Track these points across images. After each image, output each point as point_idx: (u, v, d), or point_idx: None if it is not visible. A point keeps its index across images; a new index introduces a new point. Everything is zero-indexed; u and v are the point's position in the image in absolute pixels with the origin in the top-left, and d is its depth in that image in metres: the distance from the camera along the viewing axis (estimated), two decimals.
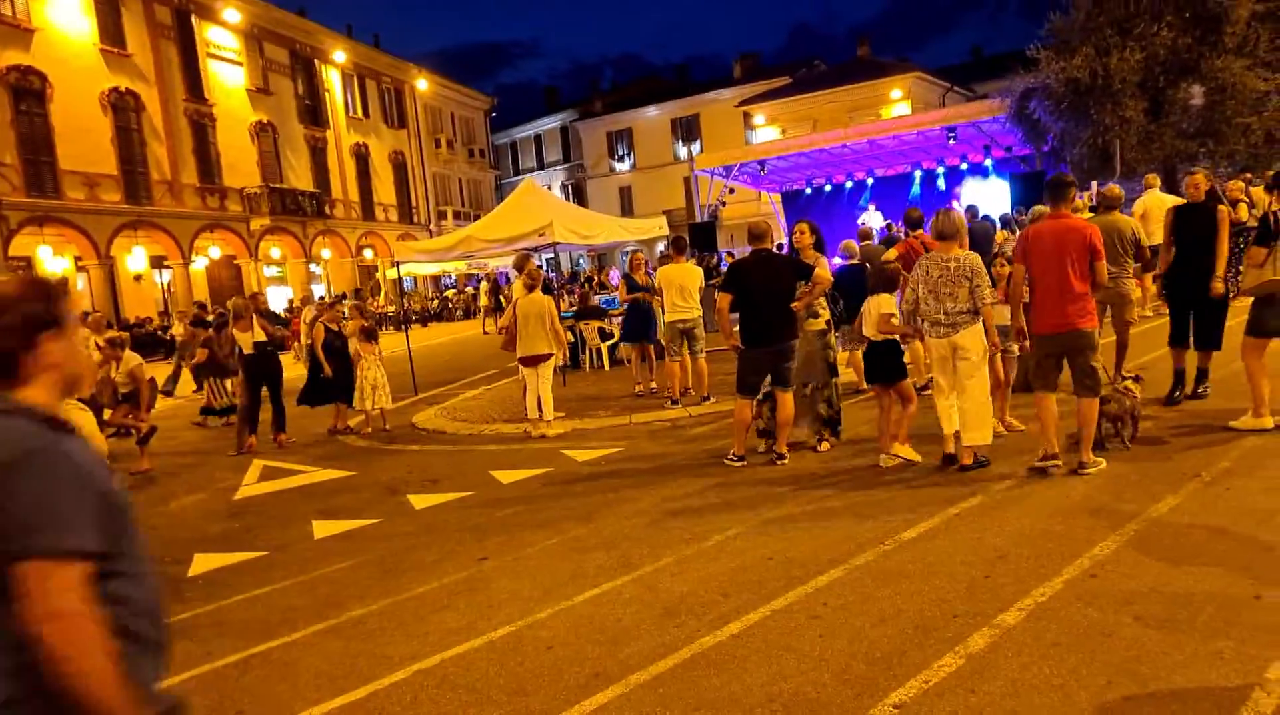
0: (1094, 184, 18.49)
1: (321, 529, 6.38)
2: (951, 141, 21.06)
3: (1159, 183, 12.58)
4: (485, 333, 22.57)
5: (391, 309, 32.44)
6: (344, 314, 11.48)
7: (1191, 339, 6.90)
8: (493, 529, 5.82)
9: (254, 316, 9.91)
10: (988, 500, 5.07)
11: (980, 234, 11.19)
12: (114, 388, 9.59)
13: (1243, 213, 12.03)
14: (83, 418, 5.13)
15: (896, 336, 6.21)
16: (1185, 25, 17.00)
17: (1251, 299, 5.99)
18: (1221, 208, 6.81)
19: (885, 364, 6.23)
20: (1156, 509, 4.56)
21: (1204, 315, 6.80)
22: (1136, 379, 6.03)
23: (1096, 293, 5.47)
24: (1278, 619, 3.23)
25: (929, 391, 6.53)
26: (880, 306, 6.29)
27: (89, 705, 1.50)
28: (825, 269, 6.85)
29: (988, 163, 22.74)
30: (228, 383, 11.90)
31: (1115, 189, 8.29)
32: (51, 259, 25.16)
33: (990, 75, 34.05)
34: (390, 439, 9.85)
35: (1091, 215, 9.51)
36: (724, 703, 3.14)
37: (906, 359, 6.60)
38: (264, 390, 9.97)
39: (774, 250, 6.85)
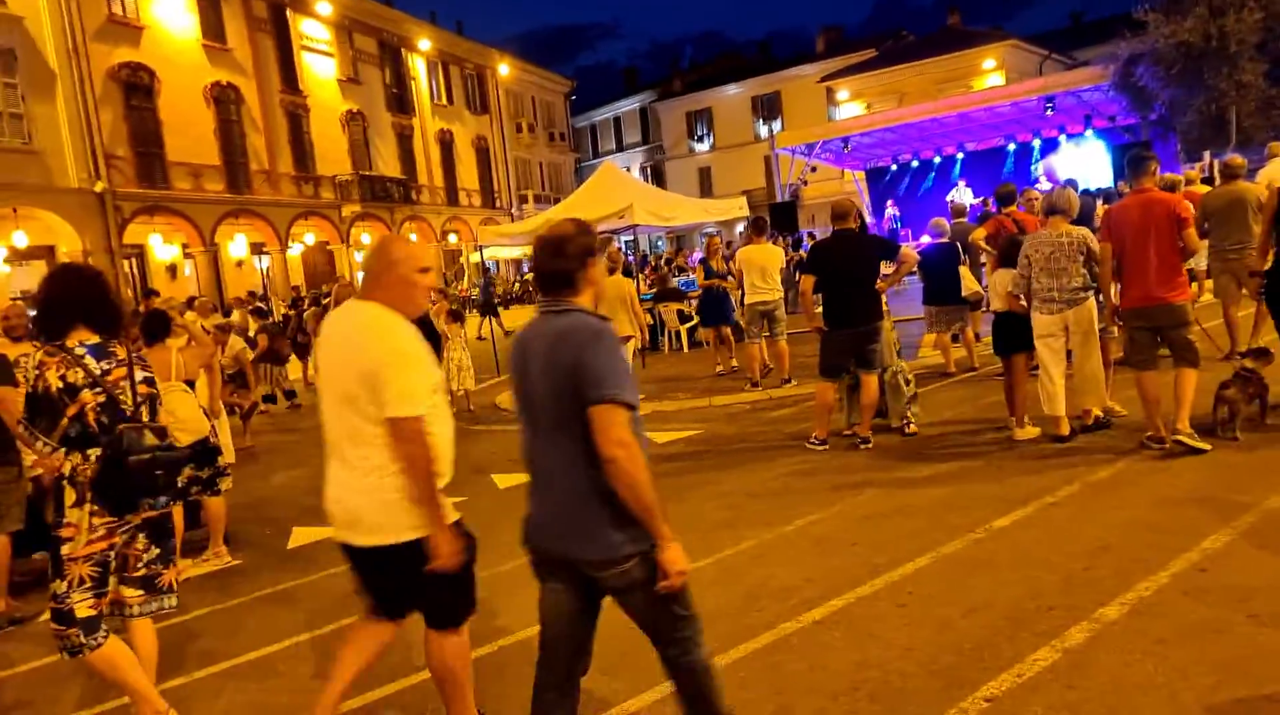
0: (1206, 154, 17.44)
1: None
2: (1049, 112, 20.07)
3: None
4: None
5: (475, 292, 33.08)
6: (431, 297, 11.75)
7: None
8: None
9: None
10: (1086, 488, 4.84)
11: (1083, 208, 10.65)
12: (221, 369, 10.05)
13: None
14: (184, 399, 5.36)
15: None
16: None
17: None
18: None
19: (1017, 334, 6.01)
20: (1274, 500, 4.27)
21: None
22: (1261, 354, 5.51)
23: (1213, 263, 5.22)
24: None
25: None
26: (1007, 281, 6.08)
27: (634, 503, 2.27)
28: (910, 248, 6.66)
29: (1088, 134, 21.65)
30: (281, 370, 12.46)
31: (1237, 158, 7.78)
32: (161, 246, 26.49)
33: (1091, 41, 32.33)
34: (474, 419, 10.04)
35: (1208, 188, 8.97)
36: (805, 689, 3.08)
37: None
38: None
39: (857, 229, 6.66)
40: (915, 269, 7.53)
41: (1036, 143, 22.79)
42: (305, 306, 18.64)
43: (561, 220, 2.58)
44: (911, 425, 6.67)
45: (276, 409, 12.61)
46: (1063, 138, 22.24)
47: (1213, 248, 7.43)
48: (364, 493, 2.71)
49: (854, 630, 3.49)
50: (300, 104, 31.24)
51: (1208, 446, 5.10)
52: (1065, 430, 5.80)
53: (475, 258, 33.51)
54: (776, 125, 41.95)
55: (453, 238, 38.83)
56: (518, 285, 37.67)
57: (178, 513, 5.41)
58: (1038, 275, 5.74)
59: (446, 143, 39.37)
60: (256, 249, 30.18)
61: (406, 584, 2.78)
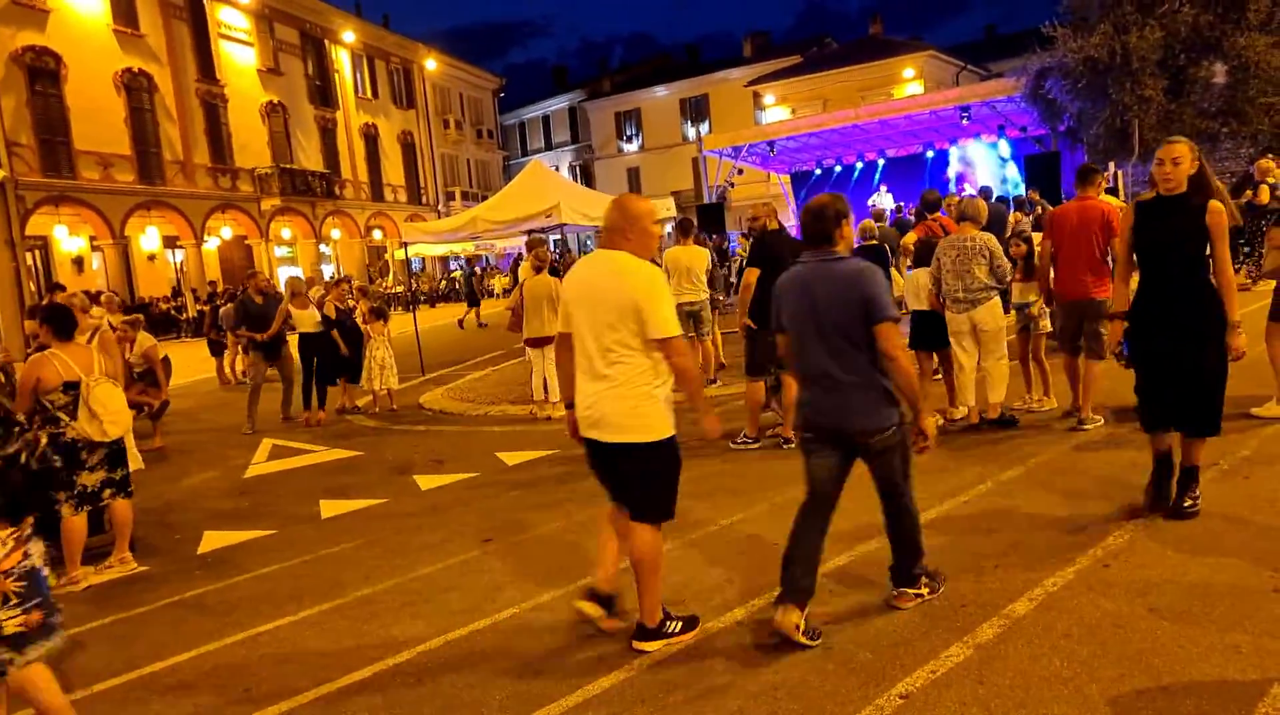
0: (1111, 165, 18.25)
1: (329, 508, 6.39)
2: (965, 121, 20.81)
3: None
4: (460, 327, 20.81)
5: (399, 289, 32.44)
6: (350, 294, 11.50)
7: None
8: (498, 511, 5.80)
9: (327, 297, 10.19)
10: (997, 486, 5.00)
11: (995, 215, 11.05)
12: (129, 367, 9.61)
13: (1264, 195, 11.82)
14: (113, 391, 5.15)
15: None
16: (1207, 2, 16.69)
17: (1275, 283, 5.82)
18: (1214, 204, 4.00)
19: (934, 331, 6.59)
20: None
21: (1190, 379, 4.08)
22: None
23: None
24: None
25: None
26: (926, 281, 6.60)
27: (906, 389, 3.29)
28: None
29: (1000, 143, 22.48)
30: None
31: None
32: (67, 238, 25.26)
33: (1005, 54, 33.58)
34: (397, 419, 9.85)
35: (1112, 198, 9.36)
36: (725, 689, 3.10)
37: None
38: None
39: (784, 228, 6.82)
40: None
41: (954, 151, 23.54)
42: (221, 302, 18.02)
43: (820, 195, 3.55)
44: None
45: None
46: (975, 144, 23.02)
47: None
48: (613, 401, 3.35)
49: (776, 631, 3.51)
50: (218, 94, 30.19)
51: (1100, 420, 5.88)
52: (975, 419, 6.36)
53: (400, 254, 32.93)
54: (705, 128, 42.34)
55: (377, 234, 38.05)
56: (444, 283, 37.13)
57: (81, 519, 5.17)
58: (946, 277, 6.26)
59: (371, 137, 38.56)
60: (170, 242, 29.05)
61: (631, 477, 3.45)
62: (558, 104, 51.74)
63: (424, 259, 38.44)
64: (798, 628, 3.30)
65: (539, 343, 8.76)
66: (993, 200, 13.71)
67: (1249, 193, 11.88)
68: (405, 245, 17.64)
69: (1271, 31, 16.23)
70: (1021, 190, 18.67)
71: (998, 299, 6.15)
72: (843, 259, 3.38)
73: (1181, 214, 4.02)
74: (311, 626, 4.17)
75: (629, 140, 47.97)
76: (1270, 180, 11.93)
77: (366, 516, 6.12)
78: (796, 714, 2.89)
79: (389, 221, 37.97)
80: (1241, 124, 16.86)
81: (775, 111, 38.19)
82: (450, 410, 10.05)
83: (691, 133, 43.75)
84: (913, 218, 12.13)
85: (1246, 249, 11.98)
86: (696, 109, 44.87)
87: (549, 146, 51.57)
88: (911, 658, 3.14)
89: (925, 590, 3.57)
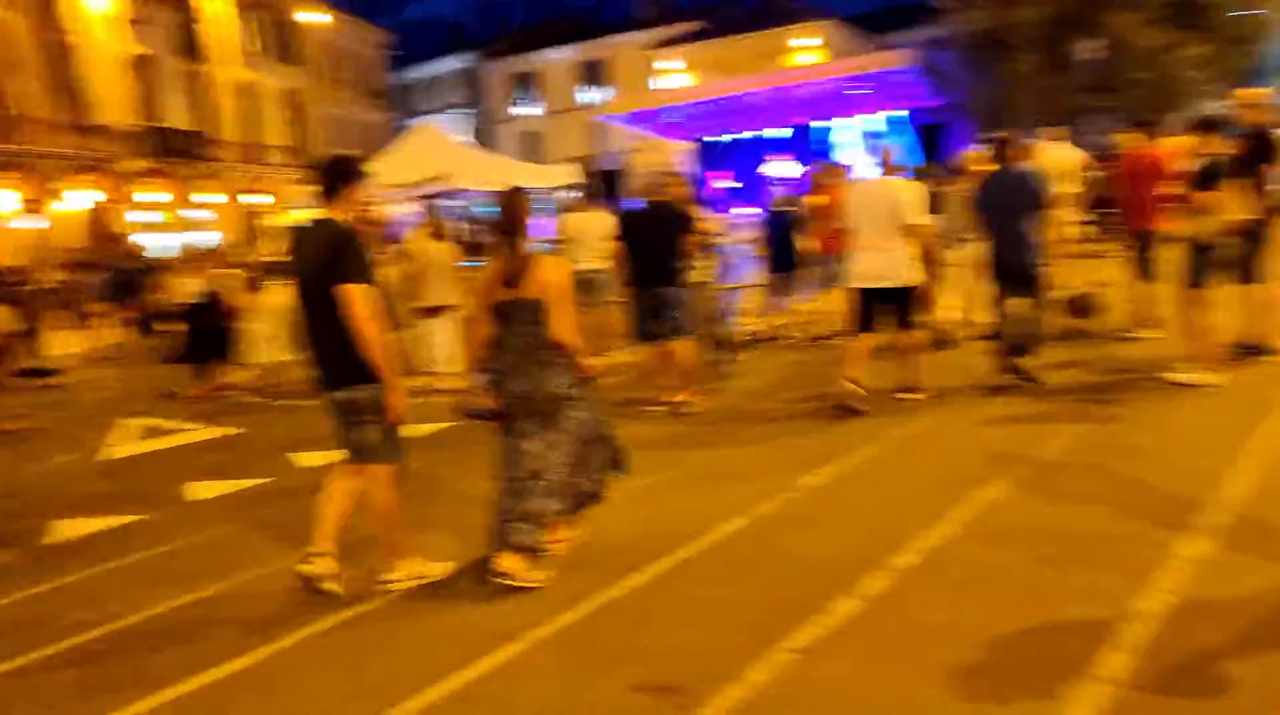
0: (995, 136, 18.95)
1: (201, 490, 5.99)
2: (866, 92, 21.14)
3: (1060, 136, 12.89)
4: None
5: (284, 257, 30.95)
6: (226, 262, 10.90)
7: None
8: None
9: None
10: (890, 446, 5.15)
11: None
12: None
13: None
14: None
15: None
16: None
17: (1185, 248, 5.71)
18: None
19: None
20: (1045, 451, 4.71)
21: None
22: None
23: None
24: (1144, 553, 3.38)
25: None
26: None
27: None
28: (707, 225, 6.91)
29: (895, 114, 23.00)
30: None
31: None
32: None
33: (903, 25, 34.31)
34: (281, 394, 9.42)
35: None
36: (624, 655, 3.07)
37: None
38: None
39: (666, 202, 6.76)
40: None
41: (851, 119, 23.95)
42: (83, 272, 16.75)
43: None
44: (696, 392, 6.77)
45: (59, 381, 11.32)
46: (872, 117, 23.51)
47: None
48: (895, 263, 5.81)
49: (673, 593, 3.53)
50: (71, 43, 27.87)
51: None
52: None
53: (284, 220, 31.46)
54: (605, 93, 41.91)
55: (257, 197, 36.17)
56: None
57: None
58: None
59: (249, 95, 36.53)
60: (19, 205, 26.84)
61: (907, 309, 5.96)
62: (453, 64, 50.18)
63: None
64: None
65: (433, 312, 8.50)
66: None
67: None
68: (288, 210, 16.82)
69: (1140, 10, 17.07)
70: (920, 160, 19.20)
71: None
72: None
73: None
74: (168, 622, 3.91)
75: (528, 104, 47.05)
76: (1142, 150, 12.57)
77: (244, 498, 5.70)
78: (692, 674, 2.89)
79: (270, 185, 36.19)
80: (1113, 98, 17.74)
81: (678, 78, 38.06)
82: None
83: (593, 97, 43.26)
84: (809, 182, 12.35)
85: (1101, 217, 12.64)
86: (597, 73, 44.31)
87: (444, 108, 50.08)
88: (804, 613, 3.18)
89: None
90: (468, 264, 13.67)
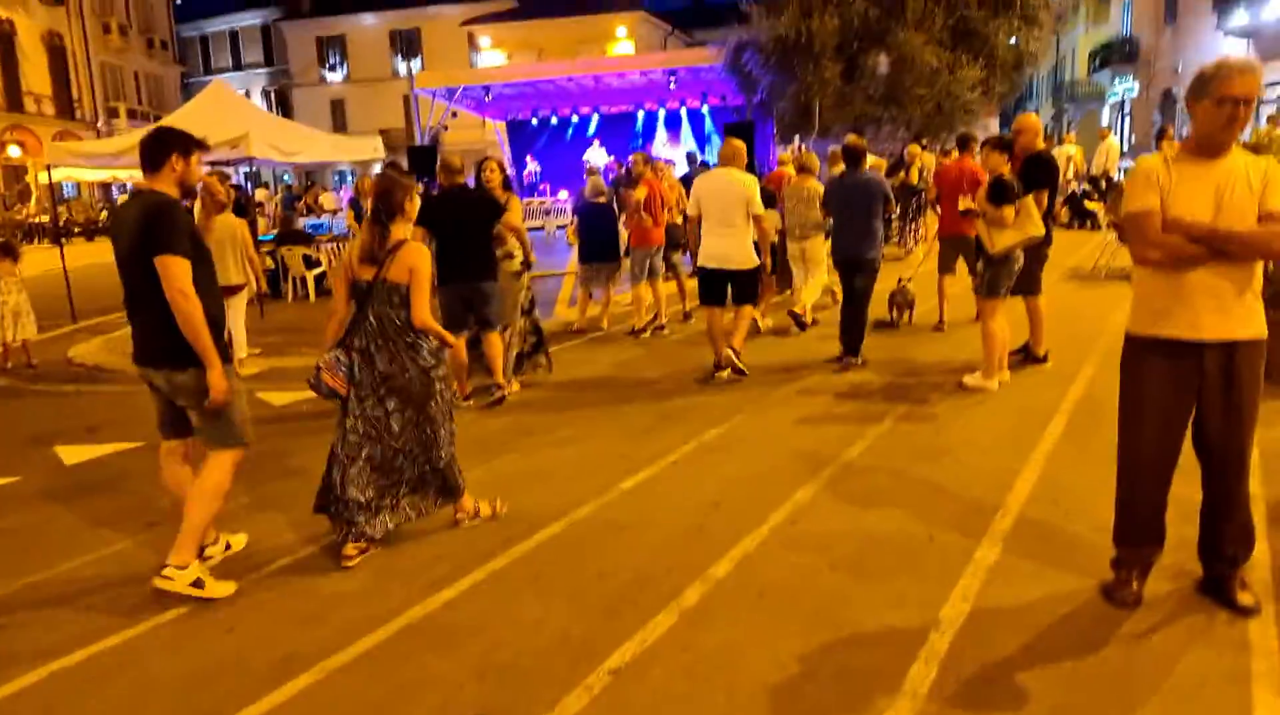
0: (797, 138, 19.94)
1: None
2: (672, 85, 21.62)
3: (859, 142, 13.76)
4: None
5: (44, 219, 27.51)
6: None
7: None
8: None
9: None
10: (701, 447, 5.20)
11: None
12: None
13: (914, 176, 13.56)
14: None
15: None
16: None
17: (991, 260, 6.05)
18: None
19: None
20: (850, 453, 4.92)
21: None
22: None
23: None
24: (948, 560, 3.56)
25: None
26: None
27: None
28: (517, 213, 6.63)
29: (704, 109, 23.70)
30: None
31: (813, 157, 8.95)
32: None
33: (710, 24, 35.35)
34: (36, 377, 8.31)
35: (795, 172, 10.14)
36: (433, 678, 2.90)
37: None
38: None
39: (467, 186, 6.50)
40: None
41: (661, 111, 24.41)
42: None
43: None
44: (513, 383, 6.68)
45: None
46: (682, 110, 24.08)
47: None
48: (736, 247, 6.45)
49: (486, 610, 3.37)
50: None
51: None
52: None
53: (45, 178, 27.93)
54: (416, 64, 40.27)
55: (14, 151, 31.85)
56: (106, 212, 32.14)
57: None
58: (790, 216, 8.43)
59: (5, 35, 32.00)
60: None
61: (746, 289, 6.66)
62: (249, 20, 46.35)
63: (78, 184, 32.94)
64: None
65: (229, 292, 7.74)
66: (697, 164, 14.50)
67: (901, 173, 13.60)
68: (50, 169, 14.83)
69: (925, 31, 18.45)
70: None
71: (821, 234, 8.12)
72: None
73: None
74: None
75: (333, 69, 44.31)
76: (917, 164, 13.74)
77: None
78: (505, 704, 2.77)
79: (31, 137, 31.94)
80: (899, 110, 19.11)
81: (491, 55, 37.21)
82: (109, 366, 8.64)
83: (403, 68, 41.42)
84: (623, 173, 12.45)
85: (899, 223, 13.74)
86: (408, 42, 42.44)
87: (238, 66, 46.23)
88: (622, 628, 3.14)
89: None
90: (267, 239, 12.76)
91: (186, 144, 3.60)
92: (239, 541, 4.09)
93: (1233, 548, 3.08)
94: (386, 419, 3.89)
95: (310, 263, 12.35)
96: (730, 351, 6.66)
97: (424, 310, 3.82)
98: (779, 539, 3.83)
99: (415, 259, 3.81)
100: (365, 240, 3.88)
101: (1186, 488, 3.16)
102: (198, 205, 7.72)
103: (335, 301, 4.04)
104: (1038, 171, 6.24)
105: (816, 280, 8.53)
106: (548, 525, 4.10)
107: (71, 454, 5.82)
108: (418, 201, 4.05)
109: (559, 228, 18.73)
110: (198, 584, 3.55)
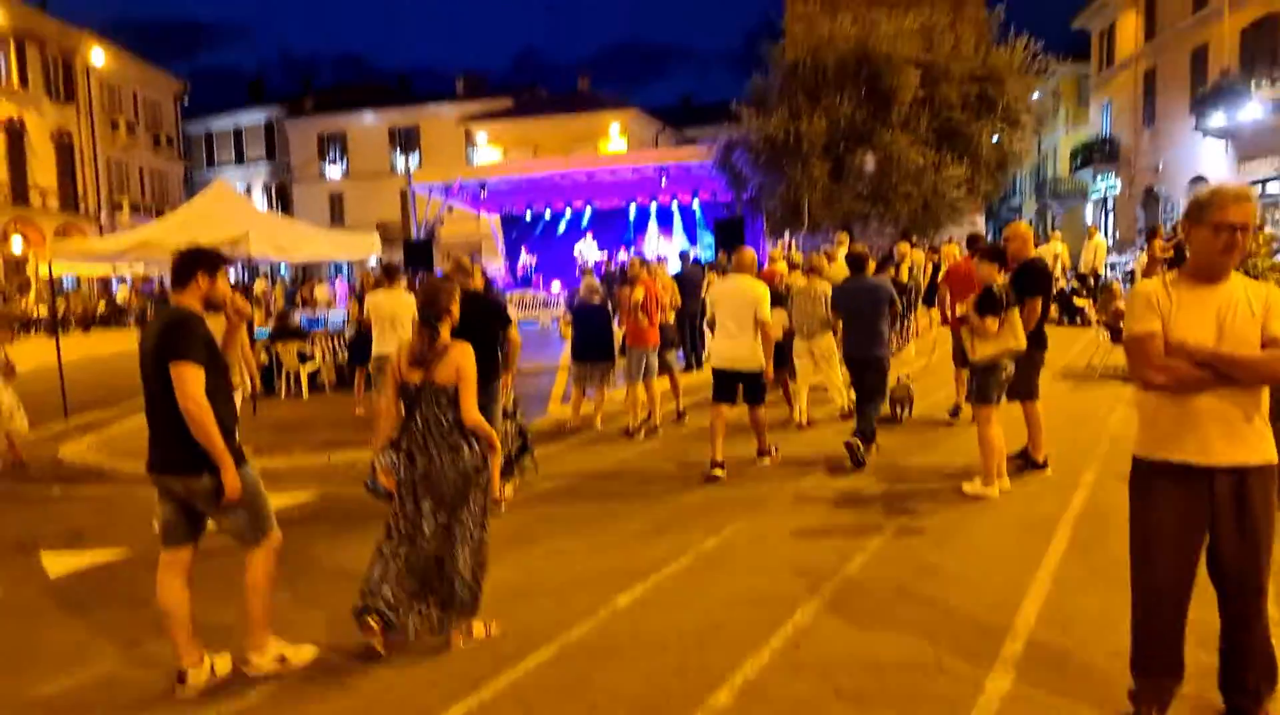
0: (786, 233, 20.35)
1: None
2: (664, 182, 22.18)
3: (848, 239, 14.06)
4: None
5: (43, 311, 27.64)
6: None
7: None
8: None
9: None
10: (698, 559, 5.09)
11: (693, 277, 11.92)
12: None
13: (904, 273, 13.77)
14: None
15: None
16: (862, 100, 19.23)
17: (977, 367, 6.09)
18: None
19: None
20: (850, 567, 4.80)
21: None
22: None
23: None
24: (959, 690, 3.42)
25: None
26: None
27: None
28: (514, 329, 6.62)
29: (694, 205, 24.26)
30: None
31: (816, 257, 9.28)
32: None
33: (699, 122, 36.49)
34: (24, 478, 8.19)
35: (788, 269, 10.30)
36: None
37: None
38: None
39: (478, 292, 6.53)
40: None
41: (653, 206, 24.95)
42: None
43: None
44: (507, 489, 6.50)
45: None
46: (674, 205, 24.64)
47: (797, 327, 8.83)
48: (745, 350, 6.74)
49: None
50: None
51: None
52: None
53: (45, 271, 28.17)
54: (414, 159, 41.28)
55: (17, 246, 32.22)
56: (104, 304, 32.31)
57: None
58: (797, 313, 8.71)
59: (15, 132, 32.82)
60: None
61: (755, 389, 6.98)
62: (253, 117, 47.64)
63: (78, 277, 33.25)
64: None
65: None
66: (690, 263, 14.76)
67: (891, 270, 13.82)
68: (50, 264, 14.96)
69: (910, 131, 19.06)
70: (712, 253, 20.17)
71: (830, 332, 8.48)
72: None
73: None
74: None
75: (333, 163, 45.35)
76: (907, 262, 14.00)
77: None
78: None
79: (34, 229, 32.41)
80: (887, 207, 19.57)
81: (487, 151, 38.21)
82: (100, 466, 8.55)
83: (400, 163, 42.41)
84: (617, 272, 12.65)
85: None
86: (407, 139, 43.56)
87: (240, 161, 47.30)
88: None
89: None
90: (262, 335, 12.77)
91: (213, 263, 3.82)
92: (223, 664, 3.94)
93: (1255, 680, 2.98)
94: (419, 519, 3.95)
95: (304, 358, 12.37)
96: (766, 457, 7.24)
97: (473, 410, 3.90)
98: (782, 665, 3.70)
99: (462, 359, 3.91)
100: (414, 344, 4.01)
101: (1205, 611, 3.08)
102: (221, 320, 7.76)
103: (385, 402, 4.15)
104: (1031, 280, 6.32)
105: (835, 375, 8.81)
106: (539, 647, 3.97)
107: (56, 563, 5.68)
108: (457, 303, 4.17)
109: (553, 320, 18.88)
110: (281, 660, 3.84)
